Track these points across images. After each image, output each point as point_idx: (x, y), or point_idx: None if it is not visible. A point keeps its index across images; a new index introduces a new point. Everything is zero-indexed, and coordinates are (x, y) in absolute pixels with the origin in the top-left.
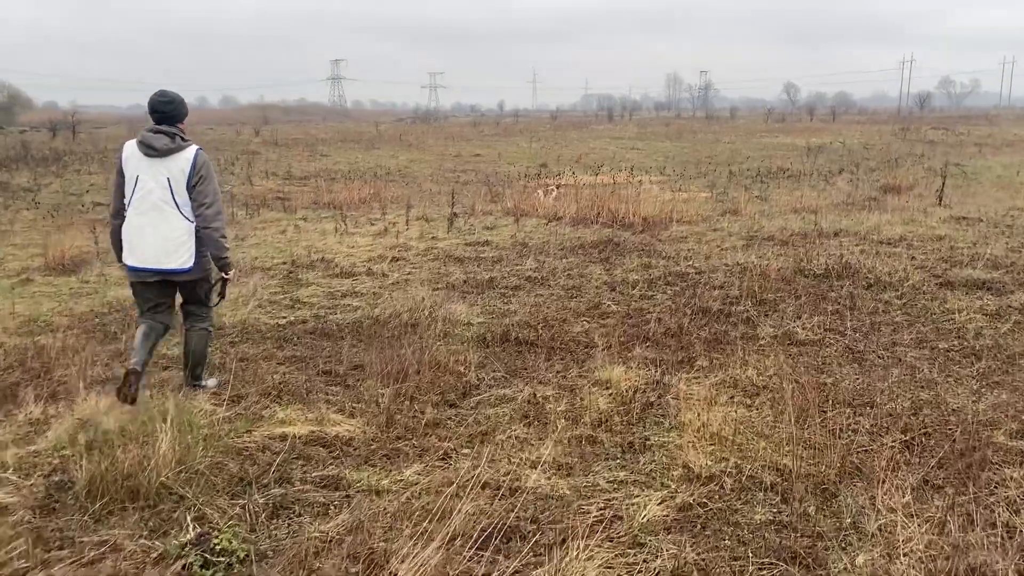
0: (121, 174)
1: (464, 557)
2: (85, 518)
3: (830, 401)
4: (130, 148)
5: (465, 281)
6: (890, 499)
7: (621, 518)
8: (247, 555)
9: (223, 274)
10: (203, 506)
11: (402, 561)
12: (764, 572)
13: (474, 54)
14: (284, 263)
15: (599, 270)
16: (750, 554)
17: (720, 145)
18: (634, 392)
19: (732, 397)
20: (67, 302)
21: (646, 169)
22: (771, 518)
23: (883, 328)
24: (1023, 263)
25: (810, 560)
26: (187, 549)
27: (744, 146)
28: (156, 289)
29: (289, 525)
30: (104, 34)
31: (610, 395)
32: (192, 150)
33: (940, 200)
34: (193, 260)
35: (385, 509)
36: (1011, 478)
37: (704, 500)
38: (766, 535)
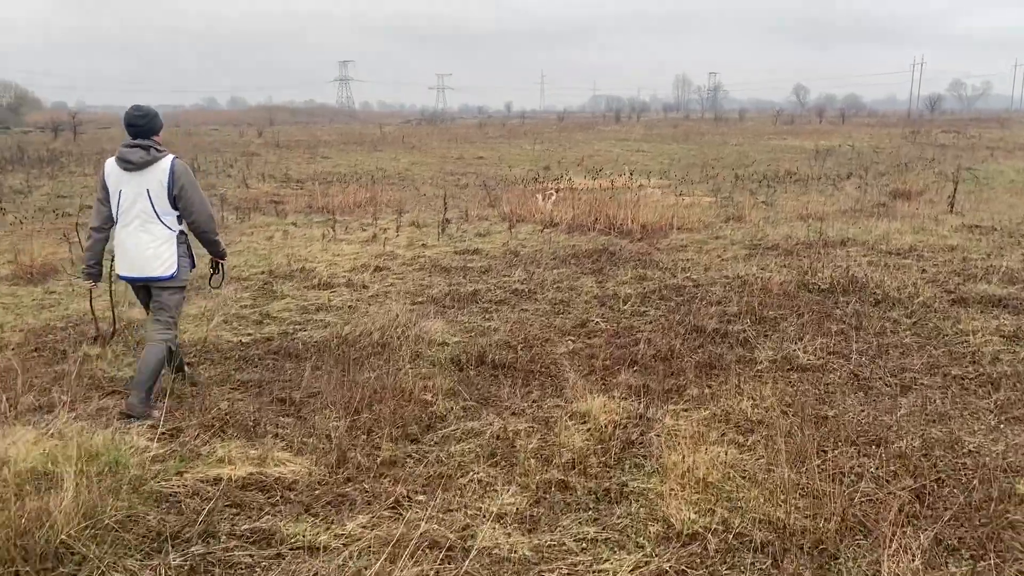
0: (105, 189)
1: None
2: None
3: (831, 439)
4: (111, 165)
5: (447, 294)
6: (897, 564)
7: None
8: None
9: (219, 259)
10: (108, 570)
11: None
12: None
13: (483, 56)
14: (262, 272)
15: (591, 282)
16: None
17: (727, 147)
18: (614, 428)
19: (723, 434)
20: (26, 315)
21: (649, 172)
22: None
23: (891, 351)
24: None
25: None
26: None
27: (752, 148)
28: (145, 293)
29: None
30: (117, 35)
31: (588, 430)
32: (168, 160)
33: (952, 207)
34: (175, 268)
35: (318, 574)
36: None
37: (683, 567)
38: None
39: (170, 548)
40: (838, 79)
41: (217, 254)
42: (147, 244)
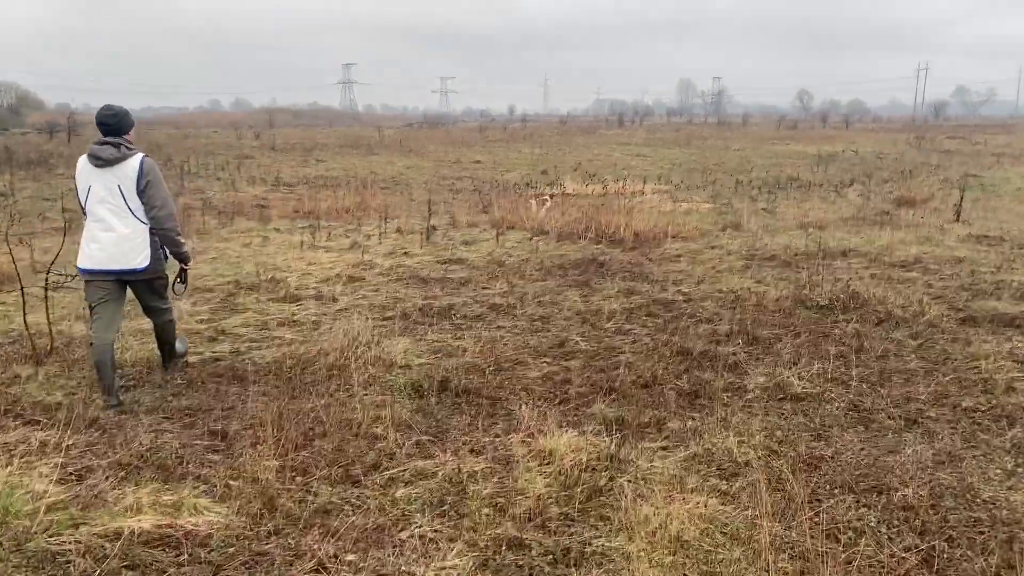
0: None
1: None
2: None
3: (827, 485)
4: (82, 162)
5: (421, 308)
6: None
7: None
8: None
9: (183, 265)
10: None
11: None
12: None
13: (487, 59)
14: (229, 283)
15: (575, 296)
16: None
17: (729, 152)
18: (581, 471)
19: (704, 479)
20: None
21: (646, 177)
22: None
23: (895, 378)
24: None
25: None
26: None
27: (754, 153)
28: (109, 286)
29: None
30: (122, 36)
31: (552, 473)
32: (137, 158)
33: (958, 215)
34: (149, 260)
35: None
36: None
37: None
38: None
39: None
40: (842, 85)
41: (179, 256)
42: (126, 237)
